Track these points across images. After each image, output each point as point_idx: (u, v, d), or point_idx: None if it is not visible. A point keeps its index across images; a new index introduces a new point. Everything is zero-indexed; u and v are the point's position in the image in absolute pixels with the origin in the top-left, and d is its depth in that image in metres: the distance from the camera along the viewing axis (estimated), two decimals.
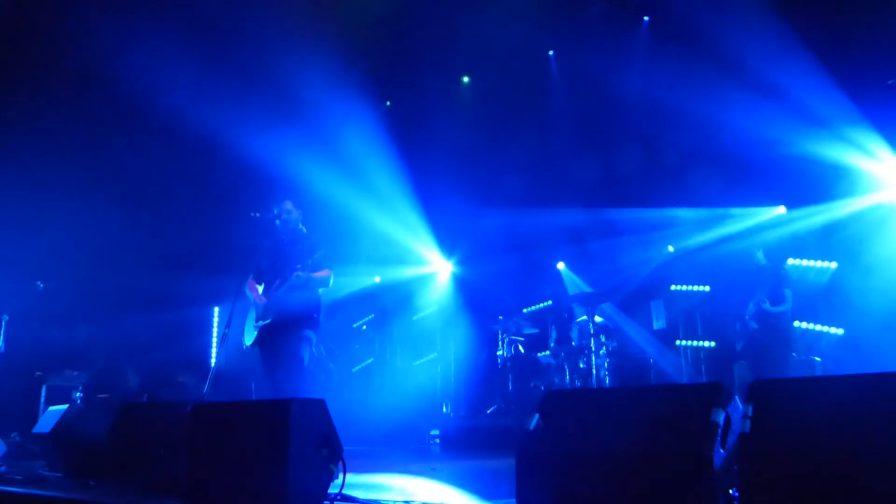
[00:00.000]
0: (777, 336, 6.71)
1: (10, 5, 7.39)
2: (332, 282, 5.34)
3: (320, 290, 5.33)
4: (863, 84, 6.91)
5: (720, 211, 8.49)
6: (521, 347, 8.54)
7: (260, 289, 5.30)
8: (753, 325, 6.79)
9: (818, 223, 7.71)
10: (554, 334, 8.41)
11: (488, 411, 8.23)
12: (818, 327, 7.53)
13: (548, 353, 8.31)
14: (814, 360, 7.16)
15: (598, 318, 8.11)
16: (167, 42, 7.62)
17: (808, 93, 7.05)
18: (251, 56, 8.21)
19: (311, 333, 5.21)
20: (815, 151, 7.14)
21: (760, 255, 7.14)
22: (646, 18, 8.95)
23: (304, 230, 5.50)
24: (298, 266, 5.10)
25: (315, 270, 5.19)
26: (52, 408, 5.29)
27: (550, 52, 9.78)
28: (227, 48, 8.11)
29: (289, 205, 5.46)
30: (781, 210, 8.13)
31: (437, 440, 7.78)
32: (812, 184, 7.43)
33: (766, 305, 6.68)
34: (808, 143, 7.13)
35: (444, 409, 9.53)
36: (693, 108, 7.70)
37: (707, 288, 8.69)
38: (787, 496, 2.29)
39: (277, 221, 5.39)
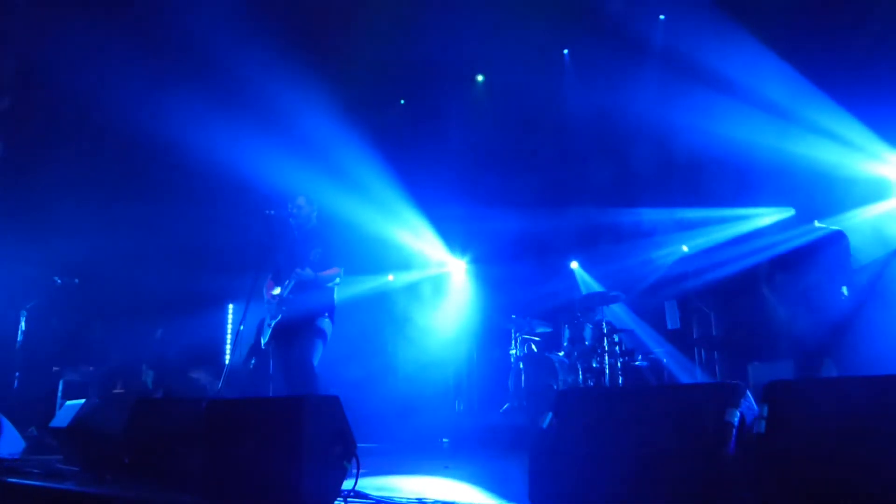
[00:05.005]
0: None
1: None
2: (339, 278, 5.34)
3: (331, 287, 5.34)
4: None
5: (734, 211, 8.45)
6: (533, 346, 8.53)
7: (277, 290, 5.33)
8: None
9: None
10: (567, 333, 8.40)
11: (501, 410, 8.23)
12: None
13: (561, 352, 8.30)
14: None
15: (611, 318, 8.09)
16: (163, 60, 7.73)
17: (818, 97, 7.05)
18: (253, 51, 8.25)
19: (322, 331, 5.23)
20: (826, 156, 7.11)
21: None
22: (661, 17, 8.90)
23: (319, 226, 5.51)
24: (297, 269, 5.13)
25: (321, 267, 5.21)
26: (69, 402, 5.35)
27: (565, 52, 9.76)
28: (233, 50, 8.16)
29: (302, 200, 5.46)
30: (791, 212, 8.06)
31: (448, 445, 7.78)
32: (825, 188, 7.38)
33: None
34: (819, 147, 7.09)
35: (457, 408, 9.54)
36: (706, 106, 7.68)
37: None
38: (801, 498, 2.28)
39: (291, 219, 5.41)
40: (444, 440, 7.83)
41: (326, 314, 5.26)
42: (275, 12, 7.94)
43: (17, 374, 7.25)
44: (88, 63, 7.61)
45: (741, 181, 8.02)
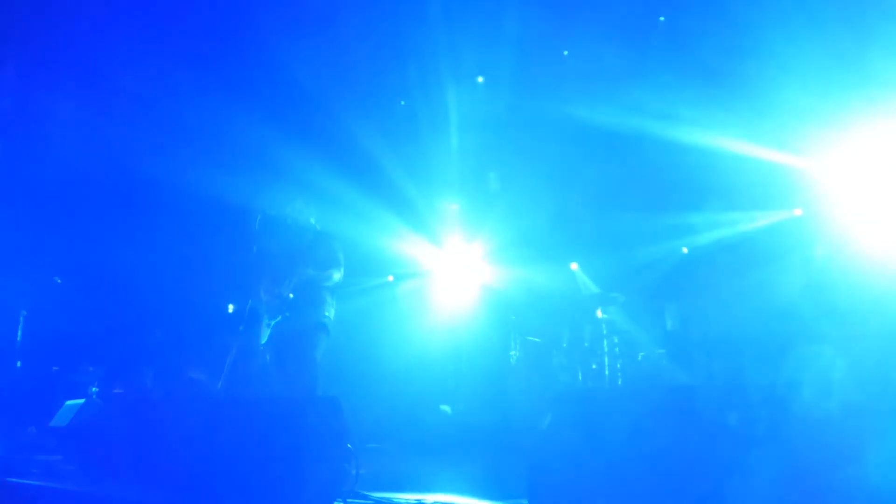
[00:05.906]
0: None
1: None
2: (338, 278, 5.34)
3: (330, 286, 5.35)
4: None
5: (734, 214, 8.46)
6: (532, 347, 8.52)
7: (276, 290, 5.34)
8: None
9: None
10: (566, 334, 8.39)
11: (499, 411, 8.22)
12: None
13: (560, 353, 8.30)
14: None
15: (610, 318, 8.09)
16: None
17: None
18: (254, 53, 8.27)
19: (322, 331, 5.24)
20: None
21: None
22: (661, 19, 8.89)
23: (317, 228, 5.52)
24: (297, 268, 5.15)
25: (320, 267, 5.22)
26: (69, 402, 5.36)
27: (565, 52, 9.74)
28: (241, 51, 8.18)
29: (300, 203, 5.49)
30: (798, 212, 8.08)
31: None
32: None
33: None
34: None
35: (456, 407, 9.52)
36: (705, 107, 7.70)
37: None
38: (800, 498, 2.29)
39: (290, 220, 5.42)
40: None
41: (326, 314, 5.27)
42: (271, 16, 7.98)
43: (16, 374, 7.25)
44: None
45: (740, 185, 8.04)
